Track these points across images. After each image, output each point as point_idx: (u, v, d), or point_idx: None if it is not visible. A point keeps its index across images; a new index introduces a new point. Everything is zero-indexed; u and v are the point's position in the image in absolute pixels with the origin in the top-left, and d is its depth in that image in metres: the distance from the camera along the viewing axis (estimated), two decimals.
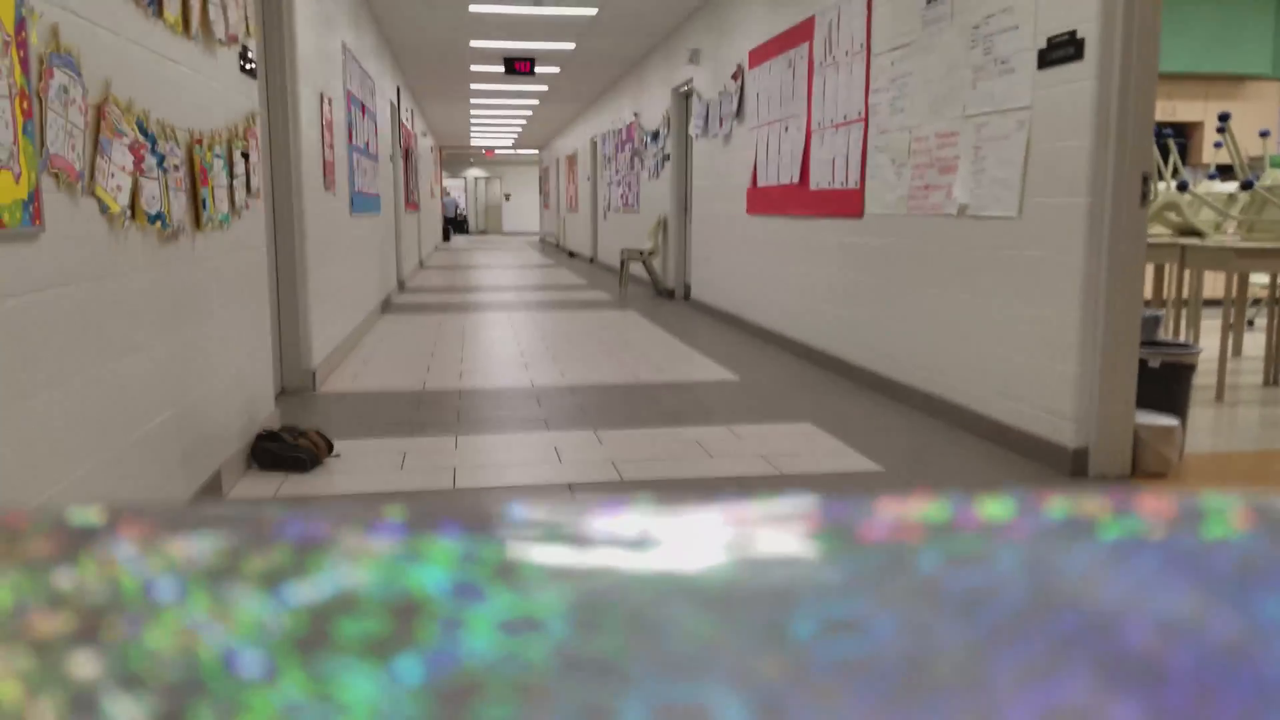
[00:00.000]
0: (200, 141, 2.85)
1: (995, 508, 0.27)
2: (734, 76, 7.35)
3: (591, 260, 16.34)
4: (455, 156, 32.27)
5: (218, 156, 3.06)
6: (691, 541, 0.25)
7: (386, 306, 8.73)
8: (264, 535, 0.25)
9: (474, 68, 11.84)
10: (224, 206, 3.12)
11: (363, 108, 7.16)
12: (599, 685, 0.19)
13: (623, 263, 10.25)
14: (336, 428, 4.01)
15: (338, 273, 5.77)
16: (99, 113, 2.09)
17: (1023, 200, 3.60)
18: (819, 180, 5.66)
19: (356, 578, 0.23)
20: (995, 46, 3.77)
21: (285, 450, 3.43)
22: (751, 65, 6.93)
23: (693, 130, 8.68)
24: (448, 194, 31.73)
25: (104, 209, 2.12)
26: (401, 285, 10.87)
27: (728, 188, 7.64)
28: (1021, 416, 3.61)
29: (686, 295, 9.70)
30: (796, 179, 6.02)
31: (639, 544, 0.25)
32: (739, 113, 7.28)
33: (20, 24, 1.70)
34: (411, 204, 12.69)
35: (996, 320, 3.80)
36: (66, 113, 1.91)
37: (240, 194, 3.34)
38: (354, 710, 0.18)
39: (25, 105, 1.72)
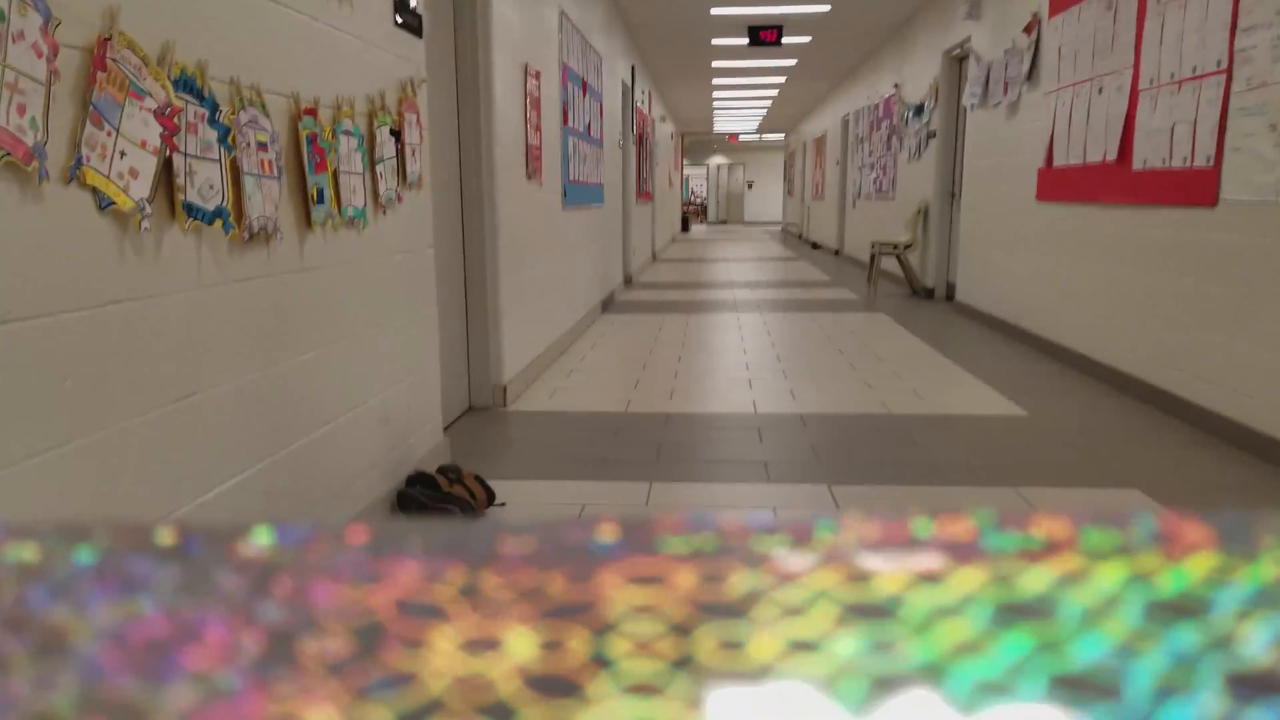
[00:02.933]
0: (313, 112, 2.19)
1: None
2: (1026, 29, 6.04)
3: (837, 253, 15.14)
4: (698, 143, 31.82)
5: (347, 134, 2.40)
6: None
7: (608, 305, 8.13)
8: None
9: (715, 41, 11.04)
10: (357, 199, 2.46)
11: (583, 86, 6.53)
12: None
13: (873, 257, 9.09)
14: (513, 462, 3.32)
15: (543, 274, 5.14)
16: (93, 58, 1.43)
17: None
18: (1146, 157, 4.34)
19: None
20: None
21: (435, 500, 2.76)
22: (1053, 12, 5.61)
23: (967, 100, 7.39)
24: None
25: (104, 202, 1.46)
26: (629, 281, 10.30)
27: (1011, 168, 6.34)
28: None
29: (949, 296, 8.39)
30: (1113, 156, 4.70)
31: None
32: (1031, 74, 5.96)
33: None
34: (645, 194, 12.12)
35: None
36: (2, 52, 1.24)
37: (388, 183, 2.68)
38: None
39: None
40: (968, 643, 0.22)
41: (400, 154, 2.79)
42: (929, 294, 8.70)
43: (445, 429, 3.78)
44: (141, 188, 1.54)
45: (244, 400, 1.90)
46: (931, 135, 8.69)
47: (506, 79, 4.25)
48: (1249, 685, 0.20)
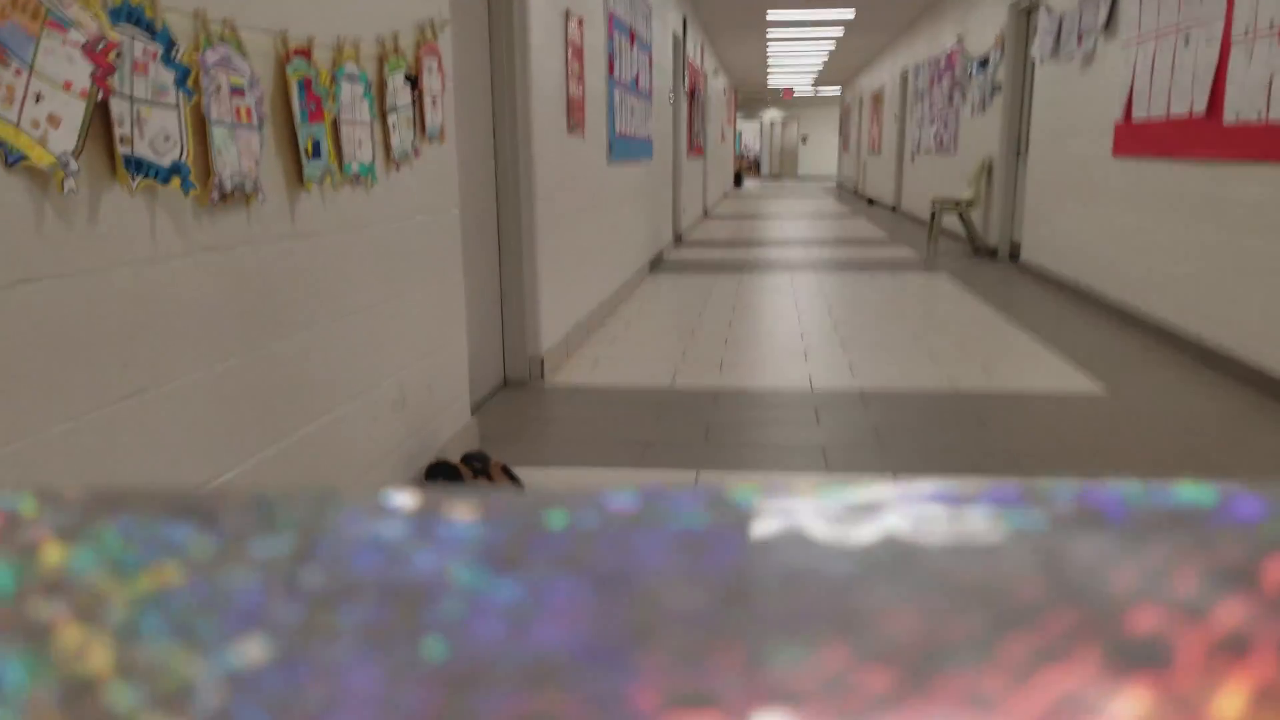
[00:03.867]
0: (305, 53, 1.87)
1: None
2: None
3: (894, 209, 14.53)
4: (751, 98, 30.97)
5: (351, 79, 2.07)
6: None
7: (656, 264, 7.77)
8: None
9: None
10: (364, 153, 2.14)
11: (631, 35, 6.12)
12: None
13: (933, 214, 8.58)
14: (548, 446, 3.02)
15: (586, 233, 4.80)
16: None
17: None
18: (1240, 110, 3.84)
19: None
20: None
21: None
22: None
23: (1036, 52, 6.82)
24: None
25: (11, 157, 1.16)
26: (679, 239, 9.90)
27: (1084, 123, 5.81)
28: None
29: (1013, 256, 7.88)
30: (1202, 110, 4.19)
31: None
32: (1109, 25, 5.42)
33: None
34: (696, 149, 11.66)
35: None
36: None
37: (403, 136, 2.36)
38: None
39: None
40: None
41: (418, 103, 2.46)
42: (992, 253, 8.18)
43: (475, 409, 3.49)
44: (64, 138, 1.23)
45: (219, 392, 1.61)
46: (997, 89, 8.11)
47: (545, 25, 3.88)
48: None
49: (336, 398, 2.06)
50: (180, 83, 1.46)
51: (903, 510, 0.26)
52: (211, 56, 1.54)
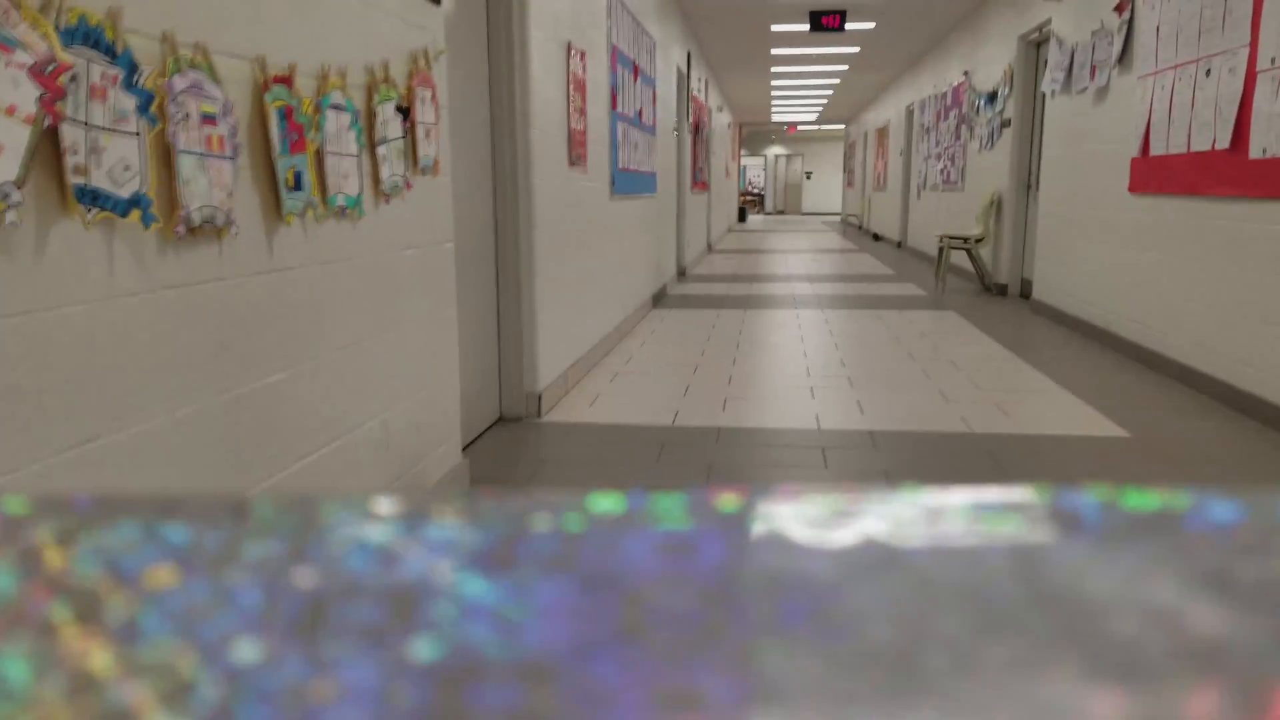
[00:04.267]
0: (286, 81, 1.77)
1: None
2: (1118, 9, 5.42)
3: (899, 245, 14.48)
4: (755, 133, 31.12)
5: (336, 109, 1.98)
6: None
7: (660, 299, 7.68)
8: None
9: (775, 27, 10.49)
10: (349, 185, 2.04)
11: (635, 70, 6.07)
12: None
13: (941, 250, 8.49)
14: (544, 487, 2.89)
15: (586, 268, 4.71)
16: None
17: None
18: (1267, 145, 3.75)
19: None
20: None
21: None
22: None
23: (1047, 86, 6.77)
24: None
25: None
26: (682, 273, 9.82)
27: (1098, 158, 5.73)
28: None
29: (1024, 294, 7.78)
30: (1225, 144, 4.10)
31: None
32: (1123, 57, 5.35)
33: None
34: (700, 184, 11.62)
35: None
36: None
37: (394, 168, 2.26)
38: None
39: None
40: None
41: (410, 135, 2.37)
42: (1001, 291, 8.08)
43: (468, 446, 3.37)
44: (5, 167, 1.13)
45: (179, 439, 1.49)
46: (1005, 124, 8.06)
47: (546, 57, 3.82)
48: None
49: (313, 441, 1.94)
50: (143, 109, 1.36)
51: (884, 514, 0.27)
52: (180, 82, 1.44)
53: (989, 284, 8.33)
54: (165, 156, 1.42)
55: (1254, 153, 3.86)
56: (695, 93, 10.78)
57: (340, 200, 2.00)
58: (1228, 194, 4.09)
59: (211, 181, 1.52)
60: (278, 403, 1.79)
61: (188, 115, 1.46)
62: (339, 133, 1.99)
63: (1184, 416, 3.81)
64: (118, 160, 1.32)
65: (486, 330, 3.58)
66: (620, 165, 5.57)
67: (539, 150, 3.71)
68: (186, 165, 1.46)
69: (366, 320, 2.17)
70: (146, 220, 1.36)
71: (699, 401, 4.05)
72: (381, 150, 2.20)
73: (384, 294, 2.26)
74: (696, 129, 10.97)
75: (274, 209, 1.76)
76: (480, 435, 3.51)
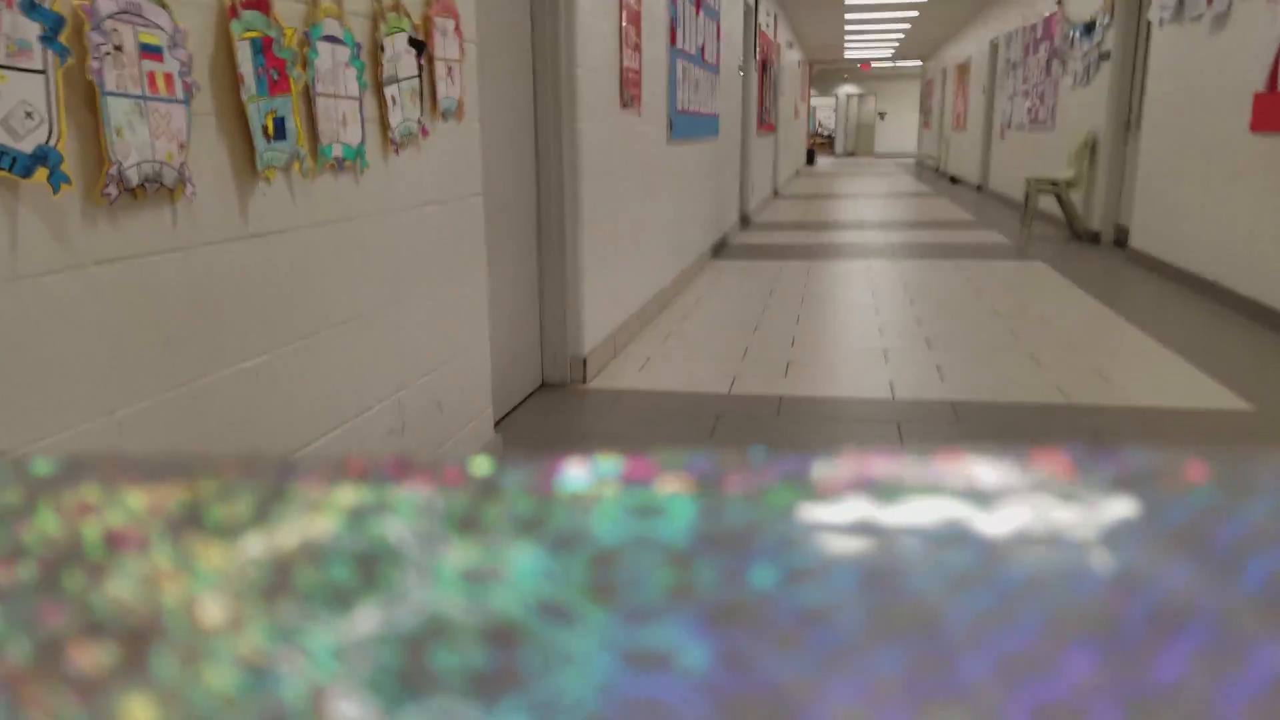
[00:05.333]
0: (262, 5, 1.49)
1: None
2: None
3: (979, 189, 13.77)
4: (826, 72, 30.04)
5: (330, 41, 1.69)
6: None
7: (720, 250, 7.32)
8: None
9: None
10: (350, 133, 1.77)
11: (697, 2, 5.66)
12: None
13: (1028, 195, 7.93)
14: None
15: (639, 219, 4.40)
16: None
17: None
18: None
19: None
20: None
21: None
22: None
23: (1156, 14, 6.15)
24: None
25: None
26: (745, 221, 9.41)
27: (1213, 94, 5.17)
28: None
29: (1119, 242, 7.22)
30: None
31: None
32: None
33: None
34: (766, 125, 11.12)
35: None
36: None
37: (407, 112, 1.98)
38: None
39: None
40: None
41: (428, 73, 2.08)
42: (1094, 238, 7.52)
43: (507, 414, 3.12)
44: None
45: (122, 440, 1.25)
46: (1104, 57, 7.42)
47: None
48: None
49: (308, 429, 1.70)
50: (49, 38, 1.09)
51: (870, 471, 0.27)
52: (106, 4, 1.17)
53: (1079, 231, 7.77)
54: (88, 99, 1.16)
55: None
56: (764, 28, 10.23)
57: (337, 151, 1.73)
58: None
59: (154, 131, 1.26)
60: (257, 391, 1.54)
61: (119, 47, 1.19)
62: (335, 70, 1.71)
63: None
64: (16, 104, 1.05)
65: (526, 290, 3.31)
66: (679, 107, 5.20)
67: (586, 91, 3.39)
68: (118, 111, 1.19)
69: (375, 289, 1.91)
70: (55, 181, 1.10)
71: (759, 365, 3.74)
72: (391, 91, 1.91)
73: (397, 258, 1.99)
74: (764, 67, 10.45)
75: (248, 163, 1.49)
76: (519, 405, 3.26)
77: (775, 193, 12.97)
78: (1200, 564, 0.22)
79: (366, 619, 0.20)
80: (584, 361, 3.49)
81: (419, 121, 2.04)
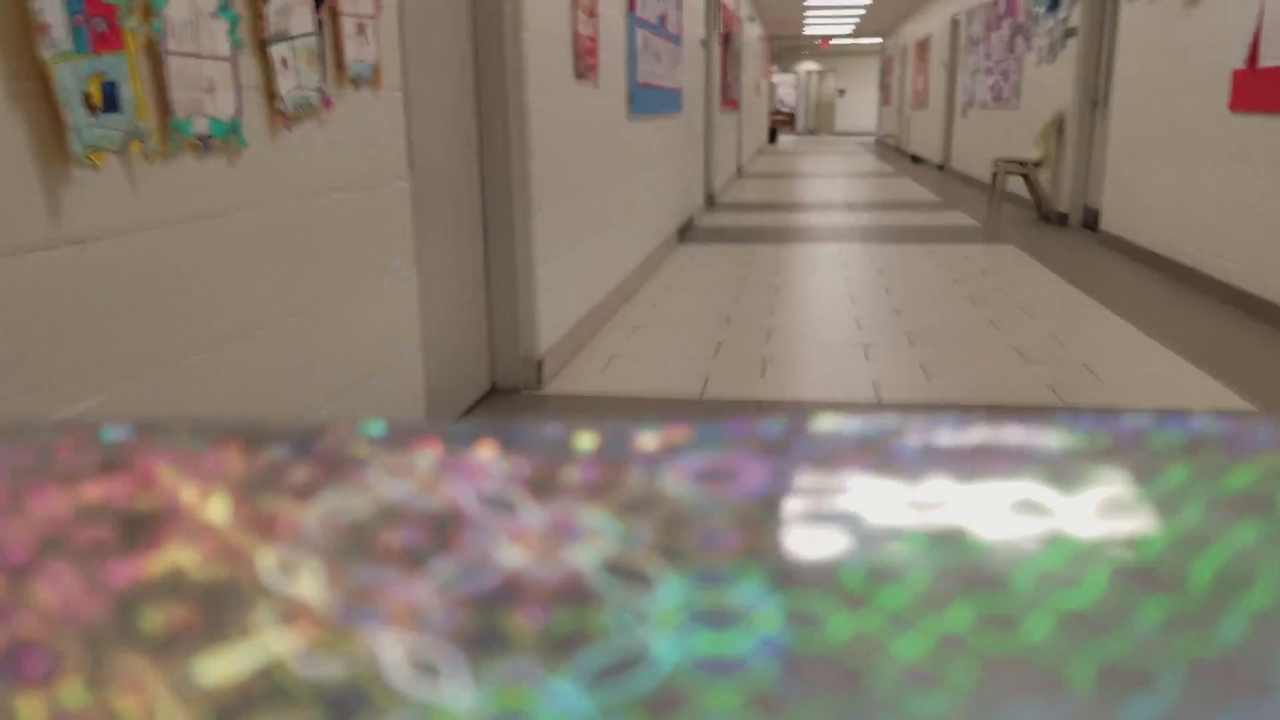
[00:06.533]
0: None
1: None
2: None
3: (941, 168, 13.49)
4: (786, 48, 29.61)
5: None
6: None
7: (686, 233, 6.93)
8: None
9: None
10: (220, 104, 1.35)
11: None
12: None
13: (995, 176, 7.63)
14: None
15: (599, 203, 4.00)
16: None
17: None
18: None
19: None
20: None
21: None
22: None
23: None
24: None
25: None
26: (711, 201, 9.03)
27: (1187, 71, 4.86)
28: None
29: (1088, 224, 6.94)
30: None
31: None
32: None
33: None
34: (730, 101, 10.71)
35: None
36: None
37: (303, 78, 1.57)
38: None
39: None
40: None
41: (331, 29, 1.67)
42: (1062, 220, 7.25)
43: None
44: None
45: None
46: (1070, 33, 7.11)
47: None
48: None
49: None
50: None
51: (921, 434, 0.28)
52: None
53: (1047, 212, 7.49)
54: None
55: None
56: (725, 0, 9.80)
57: (200, 127, 1.32)
58: None
59: None
60: None
61: None
62: (195, 22, 1.30)
63: None
64: None
65: (472, 284, 2.91)
66: (640, 80, 4.78)
67: (537, 59, 2.98)
68: None
69: (267, 298, 1.50)
70: None
71: (733, 364, 3.37)
72: (278, 51, 1.50)
73: (290, 258, 1.59)
74: (727, 40, 10.03)
75: (55, 144, 1.08)
76: (464, 415, 2.86)
77: (740, 172, 12.59)
78: (1267, 525, 0.22)
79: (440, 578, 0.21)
80: (539, 363, 3.10)
81: (319, 90, 1.63)
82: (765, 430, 0.27)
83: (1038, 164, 7.39)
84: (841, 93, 31.67)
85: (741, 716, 0.17)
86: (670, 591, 0.20)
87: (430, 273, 2.48)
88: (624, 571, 0.20)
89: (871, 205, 8.80)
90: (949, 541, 0.21)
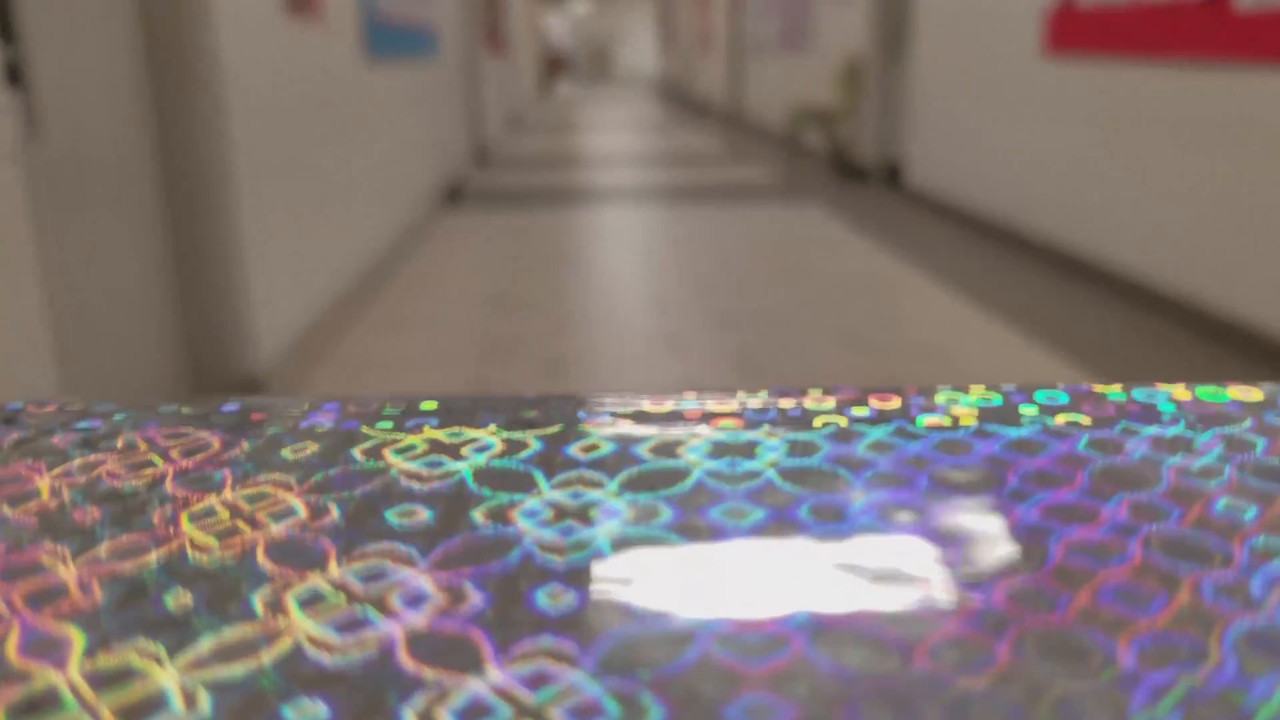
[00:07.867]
0: None
1: None
2: None
3: (730, 118, 13.55)
4: None
5: None
6: None
7: (455, 197, 6.37)
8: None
9: None
10: None
11: None
12: None
13: (794, 125, 7.56)
14: None
15: (332, 167, 3.41)
16: None
17: None
18: None
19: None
20: None
21: None
22: None
23: None
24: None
25: None
26: (484, 157, 8.47)
27: (996, 9, 4.87)
28: None
29: (892, 178, 7.00)
30: None
31: None
32: None
33: None
34: (497, 43, 10.14)
35: None
36: None
37: None
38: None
39: None
40: None
41: None
42: (861, 176, 7.29)
43: None
44: None
45: None
46: None
47: None
48: None
49: None
50: None
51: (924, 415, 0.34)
52: None
53: (846, 166, 7.52)
54: None
55: (1242, 4, 3.05)
56: None
57: None
58: (1200, 56, 3.28)
59: None
60: None
61: None
62: None
63: (1179, 357, 3.05)
64: None
65: (152, 285, 2.29)
66: (380, 15, 4.19)
67: None
68: None
69: None
70: None
71: (519, 368, 2.93)
72: None
73: None
74: None
75: None
76: None
77: (514, 123, 12.05)
78: None
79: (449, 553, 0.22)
80: (259, 380, 2.52)
81: None
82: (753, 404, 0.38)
83: (832, 116, 7.37)
84: (618, 36, 31.58)
85: None
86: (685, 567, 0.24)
87: (77, 271, 1.86)
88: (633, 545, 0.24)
89: (662, 159, 8.56)
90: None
